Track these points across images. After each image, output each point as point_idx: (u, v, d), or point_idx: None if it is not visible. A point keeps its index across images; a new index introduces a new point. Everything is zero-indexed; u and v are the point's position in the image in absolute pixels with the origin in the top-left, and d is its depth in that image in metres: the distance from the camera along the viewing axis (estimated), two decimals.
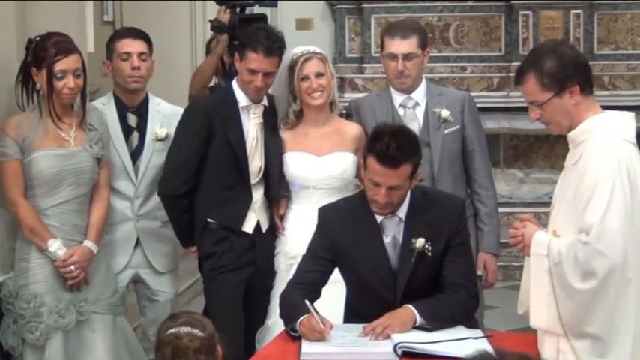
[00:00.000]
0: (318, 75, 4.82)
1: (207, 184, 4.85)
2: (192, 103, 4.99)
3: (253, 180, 4.88)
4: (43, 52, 4.43)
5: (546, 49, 3.77)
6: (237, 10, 5.62)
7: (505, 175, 8.96)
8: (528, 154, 9.08)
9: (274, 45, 4.77)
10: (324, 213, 4.26)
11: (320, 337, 3.86)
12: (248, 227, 4.87)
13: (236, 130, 4.82)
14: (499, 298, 6.95)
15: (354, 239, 4.11)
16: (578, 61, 3.73)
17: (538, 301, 3.63)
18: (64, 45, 4.45)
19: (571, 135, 3.70)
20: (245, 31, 4.94)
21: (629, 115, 3.74)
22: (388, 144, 3.91)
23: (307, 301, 3.94)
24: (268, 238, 4.93)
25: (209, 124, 4.81)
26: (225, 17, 5.61)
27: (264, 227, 4.91)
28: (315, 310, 3.93)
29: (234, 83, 4.91)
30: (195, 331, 3.10)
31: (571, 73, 3.66)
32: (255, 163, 4.88)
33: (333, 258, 4.18)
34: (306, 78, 4.82)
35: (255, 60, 4.74)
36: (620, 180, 3.52)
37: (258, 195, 4.90)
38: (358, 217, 4.12)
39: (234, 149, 4.81)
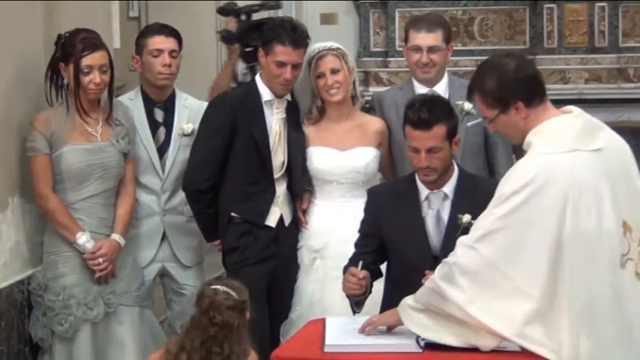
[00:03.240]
0: (334, 71, 4.84)
1: (230, 178, 4.88)
2: (216, 98, 5.00)
3: (276, 174, 4.91)
4: (70, 47, 4.49)
5: (487, 67, 3.75)
6: (244, 17, 5.63)
7: None
8: None
9: (301, 36, 4.80)
10: (373, 195, 4.41)
11: (354, 282, 4.04)
12: (271, 221, 4.91)
13: (259, 124, 4.85)
14: None
15: (396, 214, 4.23)
16: (519, 76, 3.66)
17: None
18: (90, 41, 4.50)
19: (523, 147, 3.69)
20: (269, 26, 4.95)
21: (574, 115, 3.66)
22: (419, 109, 4.10)
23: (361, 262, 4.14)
24: (291, 231, 4.96)
25: (233, 119, 4.84)
26: (233, 26, 5.62)
27: (287, 221, 4.95)
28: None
29: (258, 78, 4.93)
30: (232, 292, 3.66)
31: (511, 91, 3.63)
32: (279, 157, 4.91)
33: (381, 236, 4.29)
34: (322, 75, 4.85)
35: (283, 52, 4.76)
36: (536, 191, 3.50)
37: (281, 189, 4.93)
38: (403, 196, 4.26)
39: (258, 144, 4.84)
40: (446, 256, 3.95)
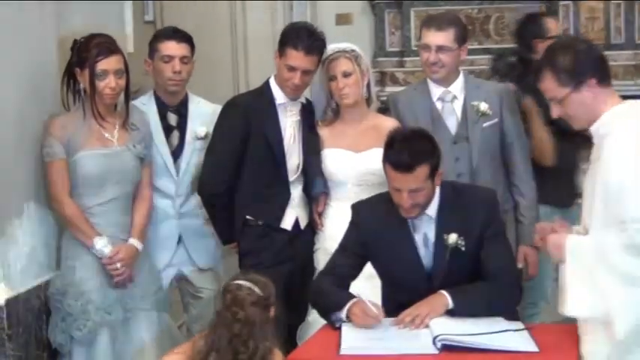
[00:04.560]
0: (346, 75, 4.83)
1: (245, 181, 4.88)
2: (229, 101, 4.99)
3: (291, 177, 4.91)
4: (85, 52, 4.49)
5: (560, 46, 3.79)
6: None
7: None
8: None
9: (315, 43, 4.78)
10: (358, 209, 4.30)
11: (375, 321, 3.92)
12: (287, 224, 4.91)
13: (273, 127, 4.85)
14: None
15: (386, 237, 4.14)
16: (592, 55, 3.73)
17: (576, 292, 3.59)
18: (105, 45, 4.50)
19: (592, 129, 3.71)
20: (287, 29, 4.96)
21: None
22: (399, 150, 3.96)
23: (354, 291, 4.04)
24: (307, 234, 4.96)
25: (246, 123, 4.83)
26: None
27: (303, 224, 4.95)
28: None
29: (272, 80, 4.93)
30: (256, 288, 3.68)
31: (586, 67, 3.67)
32: (293, 160, 4.91)
33: (364, 254, 4.22)
34: (333, 78, 4.85)
35: (294, 57, 4.77)
36: None
37: (296, 191, 4.93)
38: (389, 215, 4.13)
39: (272, 147, 4.84)
40: (439, 275, 4.01)
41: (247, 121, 4.84)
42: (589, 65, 3.68)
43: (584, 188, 3.81)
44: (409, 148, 3.96)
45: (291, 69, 4.77)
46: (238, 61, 8.57)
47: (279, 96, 4.88)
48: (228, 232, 4.97)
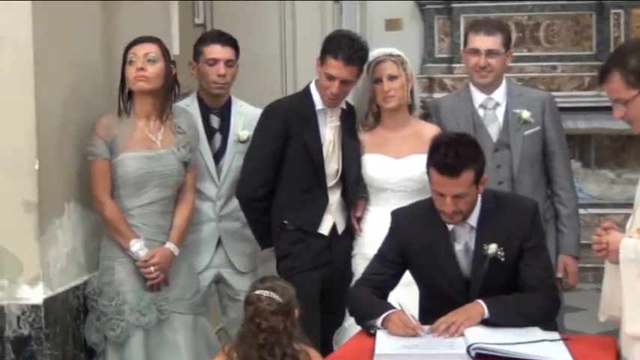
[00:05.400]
0: (391, 78, 4.82)
1: (284, 186, 4.88)
2: (269, 106, 4.99)
3: (330, 182, 4.90)
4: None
5: (630, 48, 3.76)
6: None
7: (596, 176, 8.81)
8: (620, 154, 8.92)
9: (356, 54, 4.75)
10: (397, 217, 4.27)
11: (413, 332, 3.89)
12: (324, 229, 4.90)
13: (313, 133, 4.85)
14: (588, 300, 6.87)
15: (425, 245, 4.10)
16: None
17: (633, 308, 3.58)
18: (142, 36, 4.57)
19: None
20: (330, 36, 4.95)
21: None
22: (446, 153, 3.91)
23: (395, 301, 4.02)
24: (345, 239, 4.95)
25: (286, 128, 4.83)
26: None
27: (341, 229, 4.94)
28: None
29: (312, 86, 4.93)
30: (275, 296, 3.76)
31: None
32: (332, 165, 4.90)
33: (403, 262, 4.19)
34: (378, 80, 4.83)
35: (334, 66, 4.75)
36: None
37: (335, 197, 4.92)
38: (430, 223, 4.11)
39: (311, 152, 4.83)
40: (477, 285, 3.99)
41: (286, 126, 4.83)
42: None
43: (638, 193, 3.77)
44: (455, 152, 3.91)
45: (330, 78, 4.76)
46: (287, 63, 8.55)
47: (319, 101, 4.88)
48: (267, 236, 4.97)
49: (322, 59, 4.80)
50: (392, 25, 9.45)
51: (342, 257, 4.92)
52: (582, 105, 8.52)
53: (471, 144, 4.04)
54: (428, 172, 4.02)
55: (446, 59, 9.27)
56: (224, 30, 5.25)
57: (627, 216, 8.55)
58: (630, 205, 8.57)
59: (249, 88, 5.39)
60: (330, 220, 4.91)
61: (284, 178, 4.88)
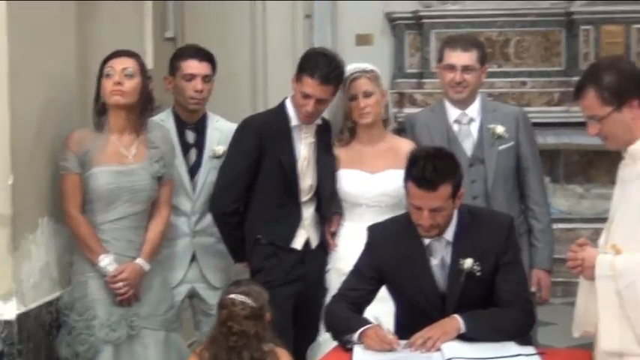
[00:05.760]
0: (367, 95, 4.83)
1: (257, 201, 4.88)
2: (244, 121, 4.99)
3: (304, 198, 4.91)
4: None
5: (605, 65, 3.80)
6: None
7: (565, 191, 8.87)
8: (589, 169, 8.97)
9: (332, 73, 4.75)
10: (373, 232, 4.28)
11: (389, 347, 3.90)
12: (297, 244, 4.90)
13: (287, 149, 4.85)
14: (558, 315, 6.88)
15: (401, 260, 4.12)
16: (636, 76, 3.75)
17: (609, 324, 3.61)
18: (119, 50, 4.56)
19: (631, 149, 3.69)
20: (306, 54, 4.93)
21: None
22: (424, 167, 3.94)
23: (371, 316, 4.05)
24: (318, 254, 4.95)
25: (260, 144, 4.83)
26: None
27: (314, 244, 4.94)
28: None
29: (288, 102, 4.92)
30: (248, 300, 3.92)
31: (630, 87, 3.69)
32: (307, 181, 4.90)
33: (379, 277, 4.20)
34: (354, 97, 4.84)
35: (310, 85, 4.74)
36: None
37: (308, 212, 4.93)
38: (406, 238, 4.12)
39: (285, 168, 4.83)
40: (453, 299, 3.99)
41: (261, 142, 4.83)
42: (633, 86, 3.70)
43: (612, 208, 3.79)
44: (433, 166, 3.94)
45: (306, 96, 4.75)
46: (257, 78, 8.55)
47: (294, 117, 4.88)
48: (240, 251, 4.96)
49: (298, 77, 4.80)
50: (362, 40, 9.47)
51: (316, 272, 4.92)
52: (551, 120, 8.57)
53: (449, 158, 4.07)
54: (405, 186, 4.04)
55: (416, 74, 9.29)
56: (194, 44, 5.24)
57: (596, 230, 8.61)
58: (599, 220, 8.67)
59: (220, 104, 5.38)
60: (304, 235, 4.91)
61: (257, 194, 4.88)
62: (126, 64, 4.52)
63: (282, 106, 4.94)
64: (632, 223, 3.62)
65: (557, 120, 8.61)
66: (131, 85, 4.52)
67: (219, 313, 3.94)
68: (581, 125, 8.45)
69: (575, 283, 7.84)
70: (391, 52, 9.47)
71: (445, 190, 3.95)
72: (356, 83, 4.84)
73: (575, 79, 8.59)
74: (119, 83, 4.49)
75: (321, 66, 4.73)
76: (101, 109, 4.58)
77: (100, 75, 4.54)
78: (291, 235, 4.89)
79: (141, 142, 4.63)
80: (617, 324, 3.57)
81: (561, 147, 8.71)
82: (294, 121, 4.88)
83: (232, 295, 3.93)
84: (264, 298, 3.96)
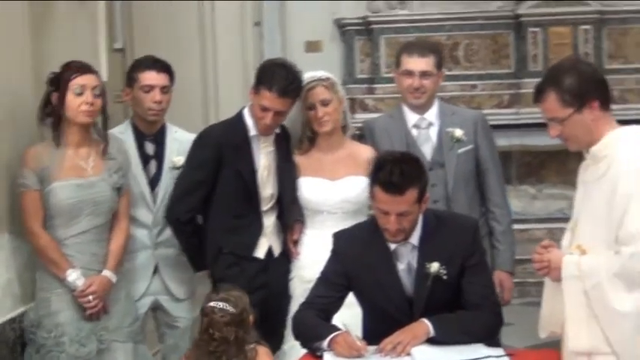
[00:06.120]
0: (324, 103, 4.84)
1: (217, 212, 4.87)
2: (202, 132, 4.99)
3: (265, 207, 4.90)
4: (62, 74, 4.48)
5: (565, 67, 3.84)
6: None
7: (517, 192, 8.94)
8: (540, 170, 9.06)
9: (290, 86, 4.74)
10: (339, 239, 4.29)
11: (358, 354, 3.91)
12: (260, 253, 4.90)
13: (246, 160, 4.84)
14: (515, 315, 6.90)
15: (368, 266, 4.13)
16: (596, 78, 3.80)
17: (577, 324, 3.65)
18: (82, 64, 4.51)
19: (593, 150, 3.74)
20: (264, 66, 4.91)
21: None
22: (391, 171, 3.95)
23: (340, 322, 4.05)
24: (281, 262, 4.95)
25: (218, 155, 4.81)
26: None
27: (277, 252, 4.94)
28: None
29: (246, 112, 4.90)
30: (228, 307, 4.00)
31: (590, 89, 3.73)
32: (268, 190, 4.90)
33: (346, 284, 4.21)
34: (312, 107, 4.84)
35: (268, 98, 4.72)
36: None
37: (270, 220, 4.93)
38: (372, 244, 4.14)
39: (245, 178, 4.82)
40: (420, 304, 4.01)
41: (219, 153, 4.81)
42: (593, 87, 3.73)
43: (575, 209, 3.83)
44: (400, 170, 3.95)
45: (265, 109, 4.74)
46: (208, 87, 8.53)
47: (252, 128, 4.86)
48: (198, 259, 4.96)
49: (256, 90, 4.78)
50: (312, 47, 9.48)
51: (279, 280, 4.91)
52: (502, 123, 8.60)
53: (415, 162, 4.09)
54: (371, 191, 4.05)
55: (366, 80, 9.30)
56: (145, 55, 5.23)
57: (550, 230, 8.72)
58: (552, 220, 8.76)
59: (172, 114, 5.35)
60: (266, 244, 4.91)
61: (217, 204, 4.87)
62: (94, 82, 4.50)
63: (240, 117, 4.92)
64: (595, 224, 3.66)
65: (507, 122, 8.65)
66: (99, 103, 4.51)
67: (202, 321, 4.03)
68: (531, 127, 8.63)
69: (531, 284, 8.01)
70: (341, 58, 9.47)
71: (412, 194, 3.97)
72: (313, 92, 4.85)
73: (525, 80, 8.83)
74: (92, 104, 4.47)
75: (278, 79, 4.71)
76: (56, 122, 4.53)
77: (60, 88, 4.47)
78: (252, 244, 4.88)
79: (97, 154, 4.60)
80: (585, 324, 3.61)
81: (513, 149, 8.77)
82: (252, 131, 4.86)
83: (212, 303, 4.02)
84: (244, 302, 4.05)
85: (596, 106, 3.72)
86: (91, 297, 4.48)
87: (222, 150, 4.82)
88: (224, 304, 4.00)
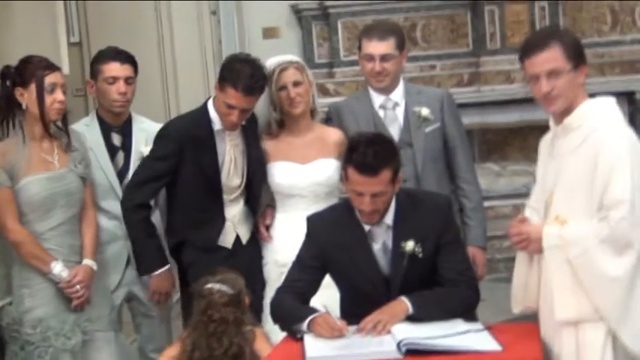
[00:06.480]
0: (296, 84, 4.84)
1: (181, 204, 4.84)
2: (166, 125, 4.94)
3: (232, 195, 4.86)
4: (29, 69, 4.44)
5: (562, 29, 3.90)
6: None
7: (481, 170, 8.93)
8: (503, 147, 9.10)
9: (256, 84, 4.68)
10: (313, 222, 4.29)
11: (339, 334, 3.91)
12: (227, 243, 4.87)
13: (210, 154, 4.79)
14: (485, 291, 6.91)
15: (343, 247, 4.13)
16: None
17: (563, 294, 3.67)
18: (49, 61, 4.49)
19: (567, 121, 3.77)
20: (229, 62, 4.81)
21: (614, 101, 3.82)
22: (365, 152, 3.94)
23: (320, 303, 4.07)
24: (250, 247, 4.92)
25: (179, 150, 4.74)
26: None
27: (245, 239, 4.91)
28: None
29: (210, 105, 4.84)
30: (226, 288, 4.11)
31: (583, 54, 3.78)
32: (235, 181, 4.86)
33: (322, 266, 4.22)
34: (283, 88, 4.83)
35: (233, 96, 4.67)
36: (637, 157, 3.61)
37: (236, 209, 4.89)
38: (346, 225, 4.14)
39: (208, 173, 4.79)
40: (397, 283, 4.04)
41: (181, 148, 4.74)
42: (584, 54, 3.78)
43: (549, 180, 3.85)
44: (374, 151, 3.94)
45: (230, 107, 4.69)
46: (168, 77, 8.50)
47: (217, 122, 4.81)
48: (149, 256, 4.83)
49: (221, 86, 4.71)
50: (269, 33, 9.47)
51: (249, 265, 4.84)
52: (463, 101, 8.60)
53: (388, 143, 4.10)
54: (345, 173, 4.05)
55: (326, 64, 9.30)
56: (100, 47, 5.19)
57: (515, 206, 8.76)
58: (516, 196, 8.78)
59: (133, 105, 5.30)
60: (233, 234, 4.88)
61: (180, 197, 4.82)
62: (62, 79, 4.50)
63: (204, 109, 4.85)
64: (573, 195, 3.69)
65: (468, 100, 8.65)
66: (65, 99, 4.50)
67: (198, 304, 4.08)
68: (491, 105, 8.67)
69: (499, 260, 8.04)
70: (299, 44, 9.46)
71: (386, 174, 3.97)
72: (285, 74, 4.84)
73: (483, 59, 8.85)
74: (62, 102, 4.47)
75: (243, 77, 4.64)
76: (14, 117, 4.49)
77: (22, 83, 4.43)
78: (216, 237, 4.84)
79: (59, 147, 4.60)
80: (571, 293, 3.64)
81: (474, 126, 8.80)
82: (217, 125, 4.81)
83: (210, 285, 4.10)
84: (240, 283, 4.13)
85: (584, 71, 3.77)
86: (78, 286, 4.49)
87: (184, 144, 4.76)
88: (221, 285, 4.09)
